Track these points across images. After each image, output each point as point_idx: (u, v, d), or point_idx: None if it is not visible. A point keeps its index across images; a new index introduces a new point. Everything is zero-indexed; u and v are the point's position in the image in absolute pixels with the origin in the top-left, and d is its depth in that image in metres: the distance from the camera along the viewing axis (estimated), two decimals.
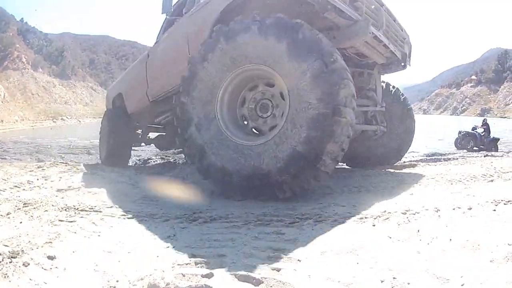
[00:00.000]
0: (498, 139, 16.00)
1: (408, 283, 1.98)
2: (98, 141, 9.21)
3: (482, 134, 16.02)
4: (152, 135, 9.15)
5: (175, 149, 10.19)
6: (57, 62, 59.40)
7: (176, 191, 4.75)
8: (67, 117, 41.32)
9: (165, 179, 5.49)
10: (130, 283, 1.96)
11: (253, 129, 4.64)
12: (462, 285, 1.92)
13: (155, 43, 7.41)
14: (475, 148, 15.56)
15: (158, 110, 7.55)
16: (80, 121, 39.58)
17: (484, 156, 9.67)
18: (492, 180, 4.78)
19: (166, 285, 1.91)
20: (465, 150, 14.44)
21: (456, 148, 15.04)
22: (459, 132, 16.19)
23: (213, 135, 4.43)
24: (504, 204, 3.52)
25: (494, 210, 3.29)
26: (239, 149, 4.22)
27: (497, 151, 14.34)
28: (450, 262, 2.23)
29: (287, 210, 3.68)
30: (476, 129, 16.09)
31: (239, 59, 4.36)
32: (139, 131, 8.92)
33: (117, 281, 1.98)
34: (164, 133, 9.06)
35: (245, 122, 4.70)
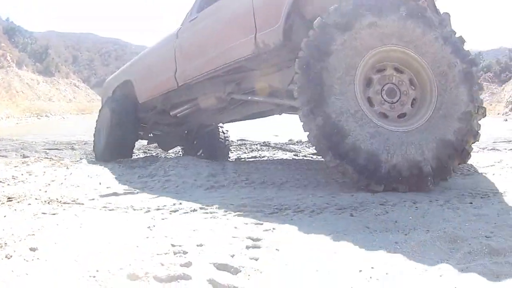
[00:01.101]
0: None
1: (386, 273, 1.97)
2: (93, 134, 8.56)
3: None
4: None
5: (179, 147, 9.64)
6: (41, 59, 58.79)
7: (157, 183, 4.75)
8: (51, 114, 40.85)
9: (147, 172, 5.46)
10: (109, 272, 1.93)
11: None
12: (440, 276, 1.91)
13: (190, 21, 6.59)
14: None
15: (179, 99, 7.10)
16: (64, 118, 39.09)
17: None
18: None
19: (145, 274, 1.89)
20: None
21: None
22: None
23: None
24: (481, 197, 3.59)
25: (471, 203, 3.33)
26: (390, 136, 3.83)
27: None
28: (429, 253, 2.22)
29: (266, 201, 3.68)
30: None
31: (385, 38, 4.00)
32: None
33: (97, 270, 1.94)
34: (168, 132, 8.59)
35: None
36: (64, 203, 3.53)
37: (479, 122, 4.13)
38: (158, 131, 8.67)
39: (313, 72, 3.89)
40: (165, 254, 2.19)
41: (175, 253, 2.20)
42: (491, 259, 2.08)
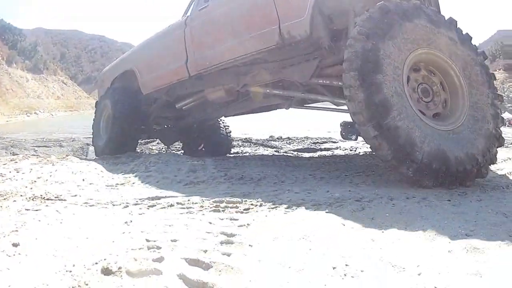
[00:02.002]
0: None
1: (362, 271, 1.95)
2: (92, 127, 8.32)
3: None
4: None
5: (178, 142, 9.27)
6: (30, 57, 58.33)
7: (139, 179, 4.78)
8: (40, 111, 40.54)
9: (129, 168, 5.48)
10: (85, 267, 1.96)
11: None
12: (419, 274, 1.89)
13: (200, 9, 6.24)
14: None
15: (185, 91, 6.86)
16: (52, 115, 38.84)
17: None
18: None
19: (118, 269, 1.92)
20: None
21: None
22: (341, 124, 15.34)
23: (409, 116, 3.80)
24: (459, 195, 3.53)
25: (449, 201, 3.29)
26: (440, 134, 3.83)
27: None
28: (406, 251, 2.20)
29: (243, 196, 3.69)
30: None
31: (422, 41, 4.03)
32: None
33: (74, 265, 1.97)
34: (170, 126, 8.35)
35: None
36: (48, 199, 3.53)
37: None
38: (160, 125, 8.42)
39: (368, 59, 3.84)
40: (139, 249, 2.21)
41: (149, 248, 2.22)
42: (473, 258, 2.06)
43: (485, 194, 3.58)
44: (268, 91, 5.90)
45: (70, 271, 1.93)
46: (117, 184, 4.45)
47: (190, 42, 6.25)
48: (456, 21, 4.37)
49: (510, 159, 5.70)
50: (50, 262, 2.04)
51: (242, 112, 7.74)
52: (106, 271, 1.92)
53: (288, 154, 8.46)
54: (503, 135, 4.21)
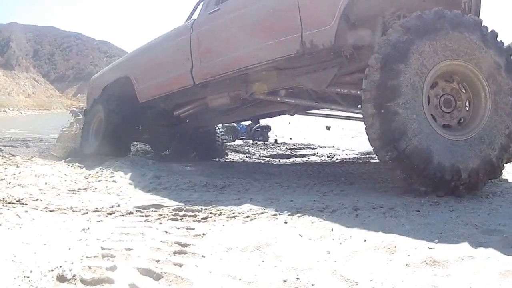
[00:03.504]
0: (269, 127, 16.13)
1: (312, 284, 1.95)
2: (81, 131, 8.11)
3: (247, 125, 15.84)
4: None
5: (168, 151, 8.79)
6: (2, 52, 57.37)
7: (102, 184, 4.77)
8: (9, 109, 39.81)
9: (94, 172, 5.46)
10: (42, 273, 1.99)
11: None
12: None
13: (210, 13, 5.80)
14: (242, 138, 15.48)
15: (184, 99, 6.52)
16: (22, 113, 38.16)
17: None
18: None
19: (73, 276, 1.97)
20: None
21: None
22: (250, 126, 15.85)
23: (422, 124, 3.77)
24: (430, 205, 3.42)
25: (418, 211, 3.21)
26: (451, 143, 3.81)
27: (267, 140, 14.63)
28: (362, 264, 2.16)
29: (204, 204, 3.69)
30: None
31: (464, 54, 3.97)
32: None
33: (31, 271, 2.01)
34: (162, 132, 7.99)
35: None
36: (9, 203, 3.53)
37: None
38: (152, 131, 8.09)
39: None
40: (94, 257, 2.25)
41: (103, 257, 2.25)
42: (431, 271, 2.02)
43: (459, 204, 3.44)
44: (279, 99, 5.74)
45: (28, 277, 1.97)
46: (79, 189, 4.44)
47: (197, 48, 5.85)
48: None
49: None
50: (9, 267, 2.07)
51: (242, 119, 7.62)
52: (61, 279, 1.97)
53: (260, 161, 8.44)
54: (503, 170, 4.16)
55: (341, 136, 15.81)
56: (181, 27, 6.35)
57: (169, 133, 8.03)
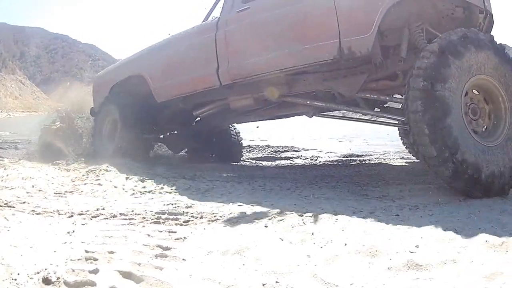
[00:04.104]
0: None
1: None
2: (92, 135, 7.80)
3: None
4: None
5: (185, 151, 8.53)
6: None
7: (88, 187, 4.79)
8: None
9: (80, 175, 5.49)
10: (28, 276, 2.06)
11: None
12: None
13: (238, 11, 5.58)
14: None
15: (204, 99, 6.32)
16: (10, 115, 37.77)
17: None
18: None
19: (57, 279, 2.04)
20: None
21: None
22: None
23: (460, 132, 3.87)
24: (409, 209, 3.46)
25: (398, 215, 3.24)
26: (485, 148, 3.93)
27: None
28: (342, 268, 2.17)
29: (186, 208, 3.74)
30: None
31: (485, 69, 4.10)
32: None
33: (18, 274, 2.07)
34: (179, 133, 7.83)
35: None
36: None
37: None
38: (168, 131, 7.94)
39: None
40: (78, 260, 2.31)
41: (86, 260, 2.31)
42: (413, 275, 2.04)
43: (438, 208, 3.46)
44: (308, 102, 5.64)
45: (15, 279, 2.03)
46: (66, 192, 4.46)
47: (224, 48, 5.64)
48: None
49: None
50: None
51: (260, 120, 7.39)
52: (46, 281, 2.04)
53: (245, 163, 8.45)
54: None
55: (329, 137, 15.88)
56: (204, 25, 6.18)
57: (186, 133, 7.85)
